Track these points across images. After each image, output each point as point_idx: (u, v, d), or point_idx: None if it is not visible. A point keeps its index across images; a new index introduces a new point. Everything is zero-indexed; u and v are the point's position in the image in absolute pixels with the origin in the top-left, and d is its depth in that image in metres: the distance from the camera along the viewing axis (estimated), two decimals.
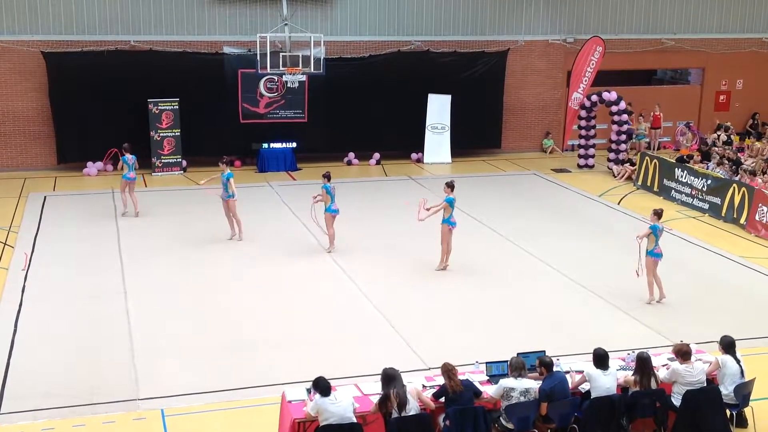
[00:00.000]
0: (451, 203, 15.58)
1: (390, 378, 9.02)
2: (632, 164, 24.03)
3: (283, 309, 14.10)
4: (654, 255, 14.12)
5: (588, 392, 9.71)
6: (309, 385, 9.30)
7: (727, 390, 9.88)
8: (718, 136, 26.10)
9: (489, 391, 9.55)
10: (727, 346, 10.07)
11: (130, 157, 19.25)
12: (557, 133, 27.81)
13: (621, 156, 24.79)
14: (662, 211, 14.50)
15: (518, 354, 9.84)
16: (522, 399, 9.32)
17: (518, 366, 9.46)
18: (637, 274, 14.25)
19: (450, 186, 15.73)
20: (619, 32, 27.67)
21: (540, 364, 9.61)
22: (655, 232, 14.06)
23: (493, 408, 9.52)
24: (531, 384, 9.42)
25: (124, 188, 19.42)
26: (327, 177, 16.69)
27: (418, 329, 13.22)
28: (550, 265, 16.44)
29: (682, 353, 9.83)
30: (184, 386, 11.25)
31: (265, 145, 24.61)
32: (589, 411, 9.52)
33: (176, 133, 23.85)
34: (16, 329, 13.08)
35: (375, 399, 9.17)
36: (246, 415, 10.60)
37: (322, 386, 8.93)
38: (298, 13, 24.14)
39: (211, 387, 11.23)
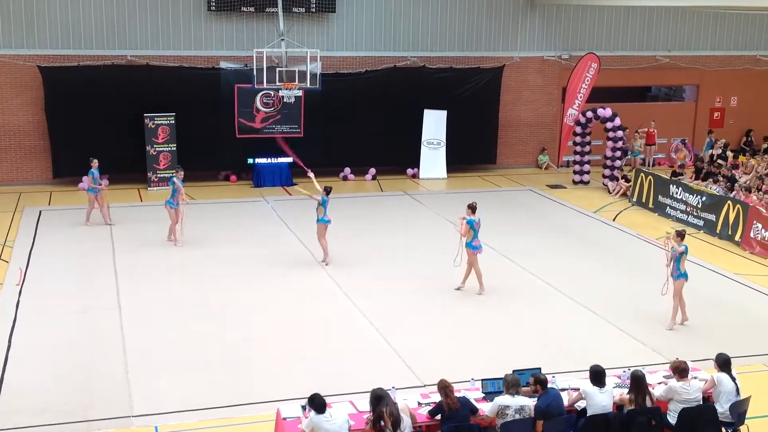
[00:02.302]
0: (470, 224, 15.31)
1: (379, 398, 8.97)
2: (627, 180, 24.09)
3: (278, 324, 14.07)
4: (678, 276, 13.96)
5: (584, 410, 9.69)
6: (304, 401, 9.27)
7: (722, 408, 9.87)
8: (712, 150, 26.16)
9: (484, 408, 9.53)
10: (723, 363, 10.07)
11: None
12: (552, 149, 27.88)
13: (616, 172, 24.86)
14: (684, 232, 14.29)
15: (514, 371, 9.82)
16: (517, 416, 9.30)
17: (513, 383, 9.44)
18: (662, 293, 14.12)
19: (470, 207, 15.41)
20: (614, 49, 27.80)
21: (535, 381, 9.59)
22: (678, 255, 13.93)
23: (489, 426, 9.49)
24: (526, 401, 9.40)
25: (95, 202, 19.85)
26: (327, 191, 16.89)
27: (413, 346, 13.20)
28: (546, 281, 16.44)
29: (680, 370, 9.82)
30: (178, 402, 11.21)
31: (262, 160, 24.64)
32: (585, 429, 9.50)
33: (172, 148, 23.85)
34: (10, 344, 13.02)
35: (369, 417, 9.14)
36: (240, 431, 10.55)
37: (317, 403, 8.91)
38: (294, 28, 24.21)
39: (205, 403, 11.19)
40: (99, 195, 19.75)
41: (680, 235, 14.10)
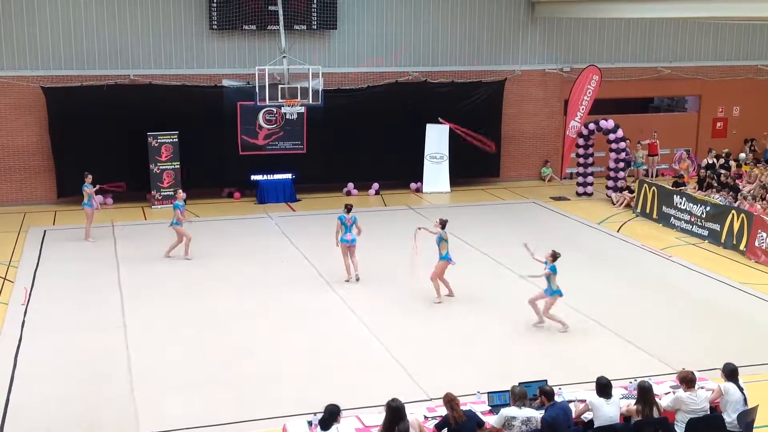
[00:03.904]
0: (440, 240, 15.67)
1: (395, 411, 8.86)
2: (631, 191, 24.08)
3: (283, 340, 14.06)
4: (554, 293, 14.27)
5: (591, 421, 9.66)
6: (311, 417, 9.25)
7: (730, 418, 9.82)
8: (717, 160, 26.12)
9: (491, 420, 9.50)
10: (730, 373, 10.03)
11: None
12: (555, 162, 27.90)
13: (619, 183, 24.85)
14: (559, 254, 14.48)
15: (520, 383, 9.80)
16: (524, 428, 9.27)
17: (520, 395, 9.42)
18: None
19: (441, 222, 15.78)
20: (615, 61, 27.86)
21: (541, 393, 9.57)
22: (553, 272, 14.23)
23: None
24: (533, 413, 9.37)
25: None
26: (347, 208, 16.98)
27: (419, 359, 13.17)
28: None
29: (687, 380, 9.79)
30: (185, 420, 11.18)
31: (265, 177, 24.70)
32: None
33: (176, 166, 23.92)
34: (15, 364, 13.03)
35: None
36: None
37: (323, 418, 8.83)
38: (296, 45, 24.31)
39: (211, 420, 11.17)
40: (95, 210, 20.09)
41: (553, 256, 14.37)
